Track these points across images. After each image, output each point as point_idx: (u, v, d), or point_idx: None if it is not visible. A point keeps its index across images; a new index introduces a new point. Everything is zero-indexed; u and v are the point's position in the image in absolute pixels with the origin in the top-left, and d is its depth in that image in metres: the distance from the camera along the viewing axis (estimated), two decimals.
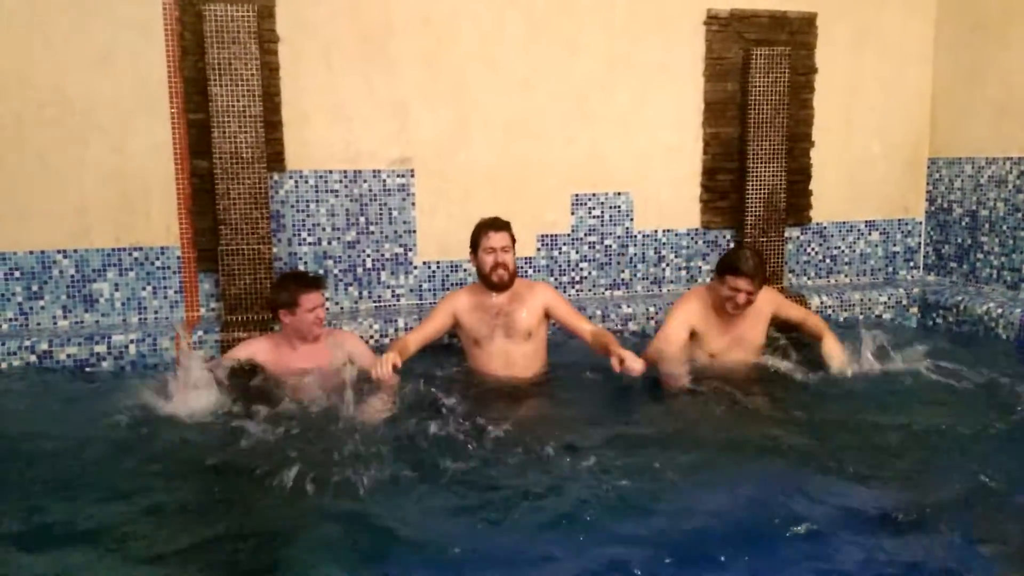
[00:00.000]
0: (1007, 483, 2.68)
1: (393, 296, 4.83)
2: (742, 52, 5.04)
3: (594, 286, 5.12)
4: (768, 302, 3.99)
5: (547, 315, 3.89)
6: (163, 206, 4.46)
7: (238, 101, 4.28)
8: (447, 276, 4.87)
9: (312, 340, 3.66)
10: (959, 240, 5.31)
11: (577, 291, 5.09)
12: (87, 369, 4.12)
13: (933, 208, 5.52)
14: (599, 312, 4.73)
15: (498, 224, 3.80)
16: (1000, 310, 4.50)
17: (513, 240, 3.83)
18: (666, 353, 3.72)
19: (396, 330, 4.47)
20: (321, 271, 4.68)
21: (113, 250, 4.45)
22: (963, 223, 5.28)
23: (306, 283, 3.62)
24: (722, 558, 2.28)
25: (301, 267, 4.63)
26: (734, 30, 5.05)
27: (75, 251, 4.41)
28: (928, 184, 5.54)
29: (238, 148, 4.31)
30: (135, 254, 4.48)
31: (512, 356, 3.79)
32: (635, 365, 3.40)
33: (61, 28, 4.23)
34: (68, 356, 4.13)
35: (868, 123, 5.39)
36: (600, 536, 2.42)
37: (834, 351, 3.86)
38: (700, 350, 3.88)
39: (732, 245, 5.21)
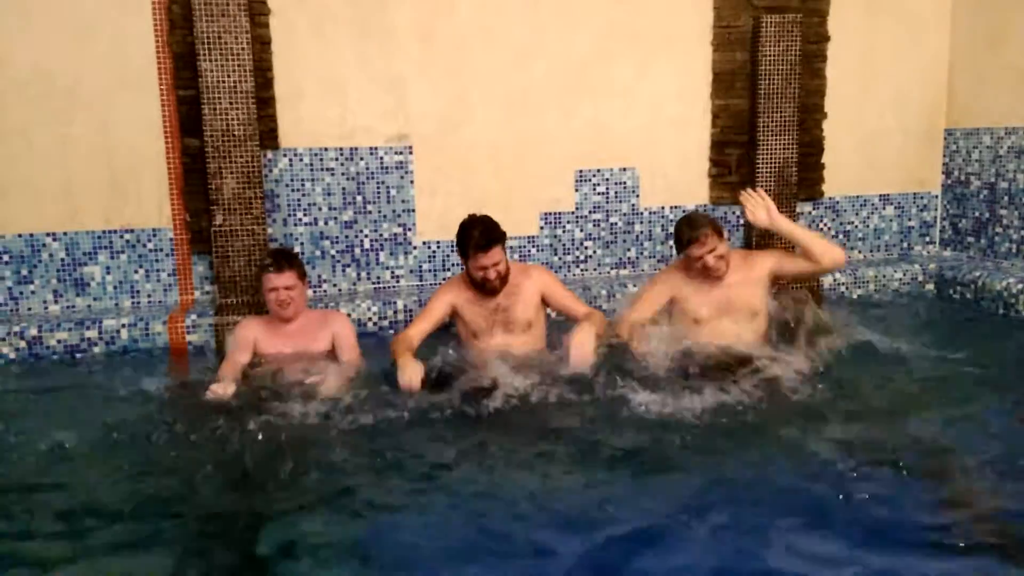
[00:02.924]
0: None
1: (392, 277, 4.70)
2: (752, 20, 4.84)
3: (599, 265, 4.98)
4: (763, 264, 3.70)
5: (544, 301, 3.74)
6: (154, 186, 4.33)
7: (229, 76, 4.13)
8: (447, 256, 4.73)
9: (281, 320, 3.55)
10: (977, 214, 5.14)
11: (582, 270, 4.95)
12: (77, 355, 4.01)
13: (950, 181, 5.34)
14: (604, 292, 4.60)
15: (487, 242, 3.46)
16: (1020, 286, 4.34)
17: (504, 242, 3.55)
18: (619, 330, 3.60)
19: (395, 312, 4.35)
20: (318, 252, 4.55)
21: (104, 232, 4.33)
22: (981, 196, 5.10)
23: (267, 264, 3.53)
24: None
25: (297, 248, 4.50)
26: None
27: (65, 234, 4.29)
28: (945, 156, 5.35)
29: (230, 125, 4.16)
30: (126, 236, 4.35)
31: (512, 347, 3.65)
32: (576, 360, 3.28)
33: (44, 2, 4.07)
34: (58, 342, 4.03)
35: (882, 93, 5.20)
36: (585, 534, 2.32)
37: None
38: (685, 317, 3.68)
39: (741, 222, 5.05)
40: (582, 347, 3.32)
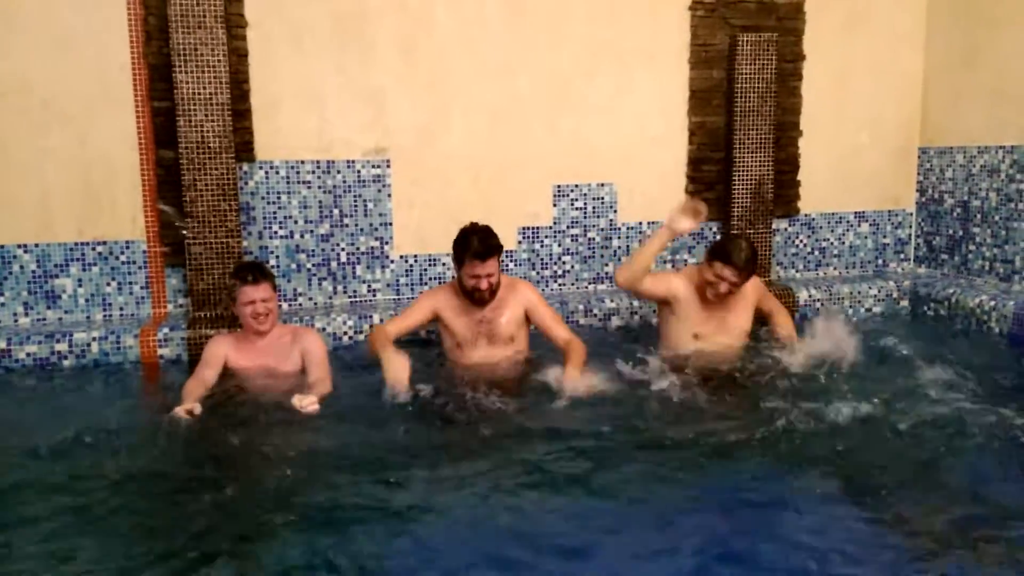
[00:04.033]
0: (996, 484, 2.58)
1: (369, 291, 4.68)
2: (728, 38, 4.89)
3: (577, 280, 4.98)
4: (754, 289, 3.93)
5: (527, 317, 3.75)
6: (128, 198, 4.29)
7: (204, 88, 4.11)
8: (425, 270, 4.72)
9: (256, 334, 3.51)
10: (950, 231, 5.19)
11: (560, 285, 4.95)
12: (47, 369, 3.95)
13: (924, 199, 5.40)
14: (581, 307, 4.60)
15: (486, 250, 3.48)
16: (992, 303, 4.38)
17: (500, 255, 3.58)
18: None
19: (371, 326, 4.32)
20: (293, 265, 4.52)
21: (76, 244, 4.28)
22: (954, 214, 5.15)
23: (241, 276, 3.49)
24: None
25: (272, 261, 4.47)
26: (720, 16, 4.90)
27: (36, 245, 4.23)
28: (919, 174, 5.41)
29: (205, 137, 4.14)
30: (99, 248, 4.30)
31: (494, 359, 3.66)
32: (576, 386, 3.29)
33: (22, 12, 4.04)
34: (28, 355, 3.96)
35: (857, 111, 5.25)
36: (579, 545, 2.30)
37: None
38: (683, 328, 3.80)
39: (719, 237, 5.07)
40: (572, 381, 3.34)
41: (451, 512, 2.49)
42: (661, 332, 3.94)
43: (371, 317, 4.34)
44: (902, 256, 5.51)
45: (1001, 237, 4.81)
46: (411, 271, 4.71)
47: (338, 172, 4.52)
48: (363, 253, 4.63)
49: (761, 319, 4.04)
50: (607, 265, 5.00)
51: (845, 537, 2.31)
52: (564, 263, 4.94)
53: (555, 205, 4.87)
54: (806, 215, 5.27)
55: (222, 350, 3.56)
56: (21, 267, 4.23)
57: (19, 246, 4.21)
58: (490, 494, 2.57)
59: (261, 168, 4.42)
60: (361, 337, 4.30)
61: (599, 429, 3.02)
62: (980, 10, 4.88)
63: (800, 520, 2.43)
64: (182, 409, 3.11)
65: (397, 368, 3.24)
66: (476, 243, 3.48)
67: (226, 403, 3.28)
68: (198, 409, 3.13)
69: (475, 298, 3.59)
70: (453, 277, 3.85)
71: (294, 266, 4.53)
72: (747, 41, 4.80)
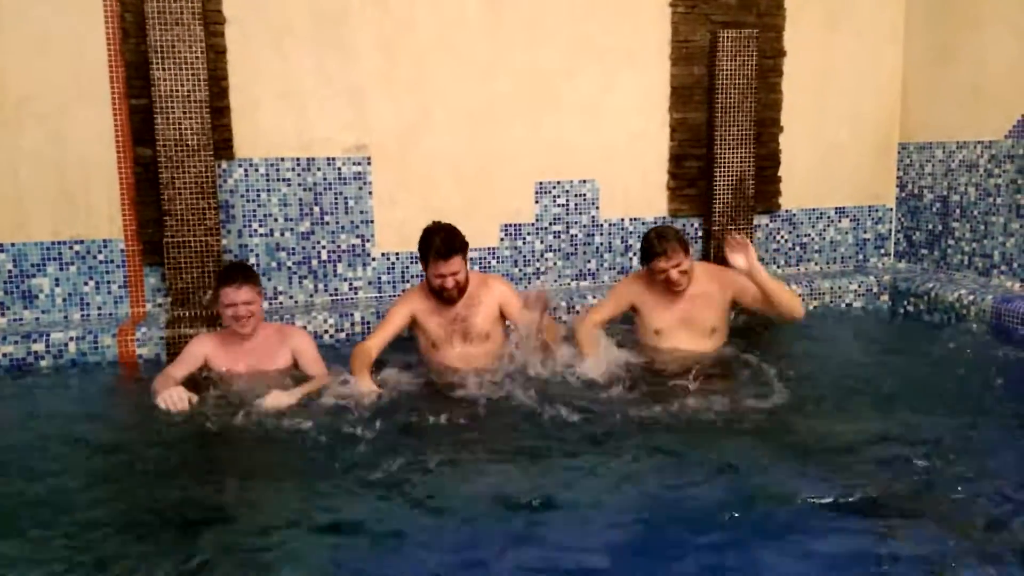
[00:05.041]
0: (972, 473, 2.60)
1: (351, 289, 4.65)
2: (709, 35, 4.90)
3: (559, 276, 4.98)
4: (726, 285, 3.75)
5: (502, 312, 3.75)
6: (105, 196, 4.25)
7: (182, 85, 4.07)
8: (407, 268, 4.70)
9: (238, 336, 3.49)
10: (930, 226, 5.23)
11: (542, 282, 4.95)
12: (23, 369, 3.90)
13: (904, 194, 5.43)
14: (564, 303, 4.59)
15: (448, 251, 3.47)
16: (971, 297, 4.42)
17: (465, 253, 3.58)
18: (578, 332, 3.72)
19: (352, 324, 4.30)
20: (273, 264, 4.49)
21: (53, 243, 4.23)
22: (934, 209, 5.19)
23: (224, 278, 3.46)
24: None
25: (252, 259, 4.44)
26: (700, 12, 4.91)
27: (12, 245, 4.19)
28: (899, 170, 5.45)
29: (183, 135, 4.10)
30: (76, 247, 4.26)
31: (470, 357, 3.64)
32: (530, 314, 3.47)
33: None
34: (4, 355, 3.92)
35: (838, 107, 5.28)
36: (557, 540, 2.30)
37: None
38: (644, 327, 3.82)
39: (700, 233, 5.10)
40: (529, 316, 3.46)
41: (439, 511, 2.47)
42: (633, 329, 3.95)
43: (352, 315, 4.32)
44: (882, 251, 5.54)
45: (980, 232, 4.85)
46: (393, 269, 4.69)
47: (319, 169, 4.50)
48: (344, 251, 4.61)
49: (758, 319, 3.94)
50: (589, 262, 5.01)
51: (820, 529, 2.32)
52: (546, 260, 4.94)
53: (537, 202, 4.87)
54: (787, 211, 5.29)
55: (203, 350, 3.52)
56: None
57: None
58: (474, 495, 2.56)
59: (240, 166, 4.38)
60: (343, 335, 4.29)
61: (570, 422, 3.04)
62: (958, 8, 4.91)
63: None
64: (174, 393, 3.12)
65: (367, 398, 3.21)
66: (439, 242, 3.48)
67: (210, 403, 3.24)
68: (186, 399, 3.13)
69: (443, 297, 3.58)
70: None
71: (274, 264, 4.50)
72: (728, 37, 4.81)
